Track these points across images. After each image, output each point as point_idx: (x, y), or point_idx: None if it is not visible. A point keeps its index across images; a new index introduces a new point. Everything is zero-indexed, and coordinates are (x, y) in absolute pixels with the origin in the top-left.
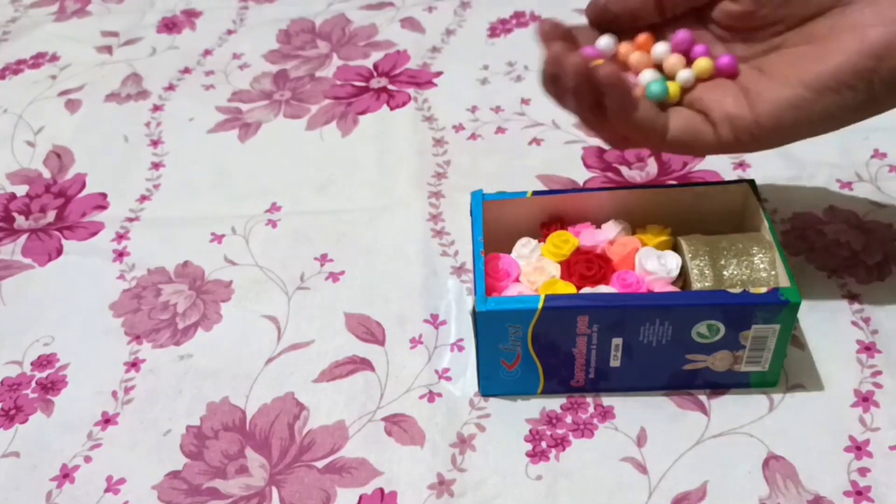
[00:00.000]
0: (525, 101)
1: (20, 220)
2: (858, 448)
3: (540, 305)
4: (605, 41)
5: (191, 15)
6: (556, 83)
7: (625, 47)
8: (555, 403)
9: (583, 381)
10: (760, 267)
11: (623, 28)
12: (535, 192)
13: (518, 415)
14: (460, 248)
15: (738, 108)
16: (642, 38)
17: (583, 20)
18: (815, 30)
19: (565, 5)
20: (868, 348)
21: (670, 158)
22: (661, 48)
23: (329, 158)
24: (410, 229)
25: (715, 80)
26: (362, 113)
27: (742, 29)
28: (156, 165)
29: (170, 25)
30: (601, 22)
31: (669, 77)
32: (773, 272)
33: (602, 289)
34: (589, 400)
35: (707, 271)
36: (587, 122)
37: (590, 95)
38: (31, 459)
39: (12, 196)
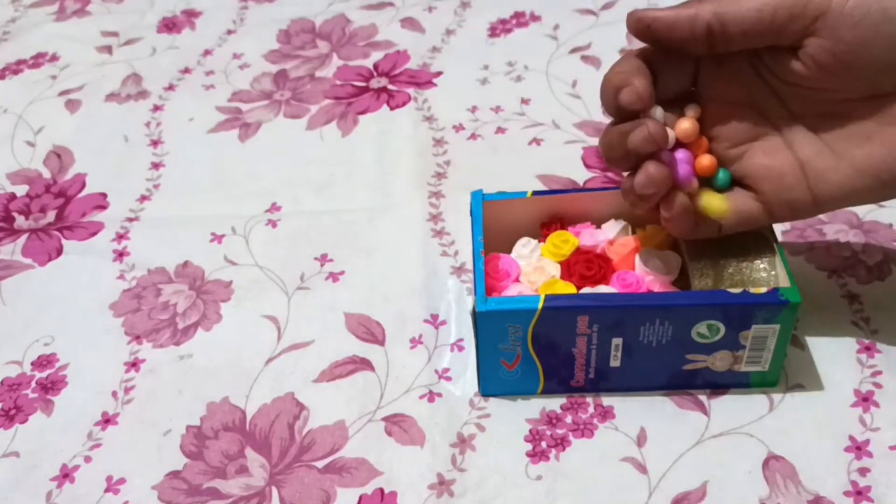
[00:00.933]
0: (525, 101)
1: (20, 220)
2: (858, 448)
3: (540, 305)
4: (658, 114)
5: (191, 15)
6: (627, 159)
7: (685, 126)
8: (555, 403)
9: (583, 381)
10: (760, 267)
11: (667, 49)
12: (535, 192)
13: (518, 415)
14: (460, 248)
15: (798, 193)
16: (706, 160)
17: (582, 20)
18: (886, 107)
19: (566, 5)
20: (868, 348)
21: None
22: (723, 177)
23: (329, 158)
24: (410, 229)
25: (765, 146)
26: (362, 113)
27: (802, 87)
28: (156, 165)
29: (170, 25)
30: (643, 38)
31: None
32: (773, 272)
33: (602, 289)
34: (589, 400)
35: (707, 271)
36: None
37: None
38: (31, 459)
39: (12, 196)
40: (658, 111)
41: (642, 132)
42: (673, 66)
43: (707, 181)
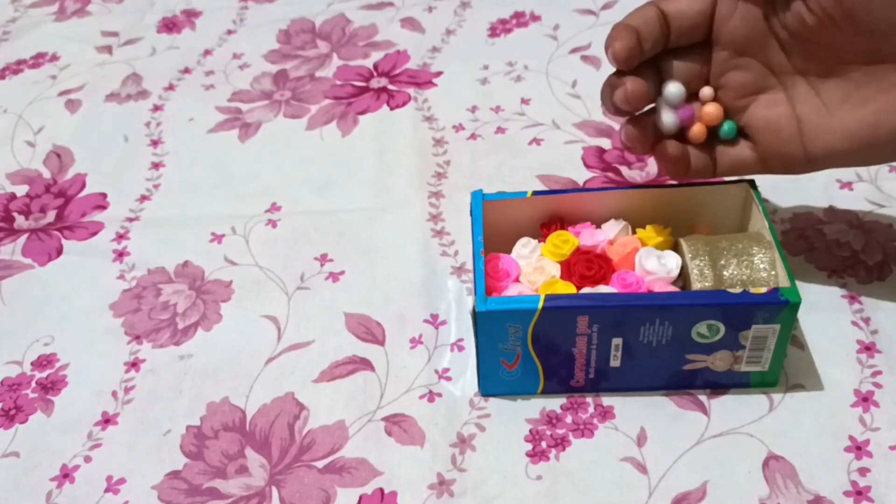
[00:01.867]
0: (525, 101)
1: (20, 220)
2: (858, 448)
3: (540, 305)
4: (671, 89)
5: (191, 15)
6: (617, 110)
7: (709, 110)
8: (555, 403)
9: (583, 381)
10: (760, 267)
11: None
12: (535, 192)
13: (518, 415)
14: (460, 248)
15: (792, 147)
16: (711, 108)
17: (582, 20)
18: (885, 75)
19: (566, 5)
20: (868, 348)
21: None
22: (728, 129)
23: (329, 158)
24: (410, 229)
25: (768, 99)
26: (362, 113)
27: (808, 41)
28: (156, 165)
29: (170, 25)
30: None
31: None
32: (773, 272)
33: (602, 289)
34: (589, 400)
35: (707, 271)
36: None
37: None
38: (31, 459)
39: (12, 196)
40: (671, 86)
41: (620, 92)
42: (689, 14)
43: (712, 131)
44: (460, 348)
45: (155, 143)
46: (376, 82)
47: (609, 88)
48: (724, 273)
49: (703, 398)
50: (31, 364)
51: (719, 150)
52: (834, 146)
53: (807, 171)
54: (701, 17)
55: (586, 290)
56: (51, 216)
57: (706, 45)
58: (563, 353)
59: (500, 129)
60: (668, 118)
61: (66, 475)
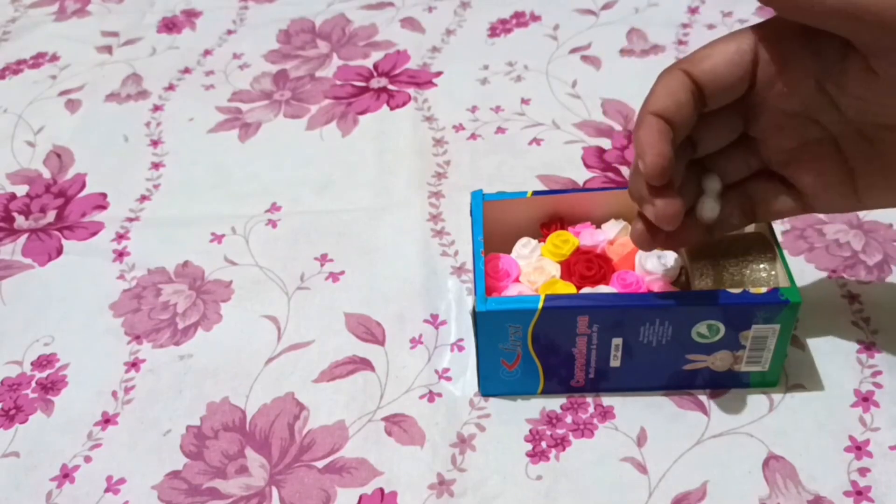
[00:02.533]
0: (525, 101)
1: (20, 220)
2: (858, 448)
3: (540, 305)
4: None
5: (191, 15)
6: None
7: None
8: (555, 403)
9: (583, 381)
10: (760, 267)
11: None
12: (535, 192)
13: (518, 415)
14: (460, 248)
15: (844, 201)
16: None
17: (582, 20)
18: None
19: (566, 5)
20: (868, 348)
21: None
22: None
23: (329, 158)
24: (410, 229)
25: (816, 152)
26: (362, 113)
27: (869, 101)
28: (156, 165)
29: (170, 25)
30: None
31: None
32: (773, 272)
33: (602, 289)
34: (589, 400)
35: (707, 271)
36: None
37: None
38: (31, 459)
39: (12, 196)
40: (712, 183)
41: (650, 211)
42: (725, 81)
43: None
44: (460, 348)
45: (155, 143)
46: (376, 82)
47: (636, 190)
48: (724, 273)
49: (703, 398)
50: (31, 364)
51: (758, 205)
52: (890, 199)
53: (856, 211)
54: (739, 82)
55: (586, 290)
56: (51, 216)
57: (747, 98)
58: (563, 353)
59: (500, 129)
60: (710, 208)
61: (66, 475)
